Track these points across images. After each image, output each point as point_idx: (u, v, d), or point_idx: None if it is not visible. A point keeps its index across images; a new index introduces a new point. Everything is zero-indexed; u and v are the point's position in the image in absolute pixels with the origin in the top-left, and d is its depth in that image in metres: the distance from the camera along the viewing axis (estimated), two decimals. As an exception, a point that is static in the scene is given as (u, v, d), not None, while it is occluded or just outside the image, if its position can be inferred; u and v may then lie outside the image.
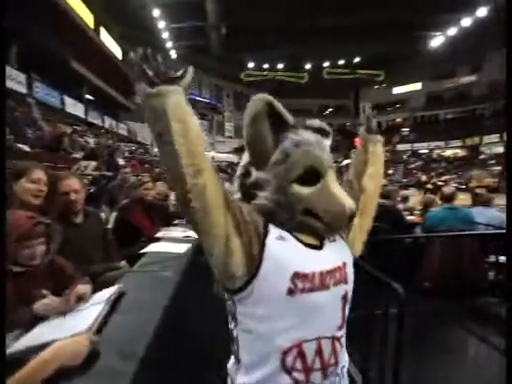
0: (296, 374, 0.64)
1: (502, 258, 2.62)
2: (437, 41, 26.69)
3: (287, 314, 0.63)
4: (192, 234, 2.24)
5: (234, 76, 32.49)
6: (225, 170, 27.59)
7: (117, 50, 18.48)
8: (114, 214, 2.93)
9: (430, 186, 13.58)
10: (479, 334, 2.32)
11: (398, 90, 33.06)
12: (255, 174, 0.71)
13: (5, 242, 1.02)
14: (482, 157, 24.79)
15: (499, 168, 21.06)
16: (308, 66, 31.84)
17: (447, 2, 20.49)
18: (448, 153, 28.62)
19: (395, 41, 25.02)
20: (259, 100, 0.66)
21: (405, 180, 23.14)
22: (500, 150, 24.33)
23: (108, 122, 18.06)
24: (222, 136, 34.61)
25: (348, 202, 0.66)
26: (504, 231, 2.93)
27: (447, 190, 3.08)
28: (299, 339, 0.64)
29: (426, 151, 30.11)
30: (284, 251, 0.64)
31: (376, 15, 21.92)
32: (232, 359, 0.74)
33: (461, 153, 27.64)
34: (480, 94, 28.36)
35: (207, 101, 32.28)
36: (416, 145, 30.74)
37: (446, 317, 2.52)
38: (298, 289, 0.63)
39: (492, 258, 2.73)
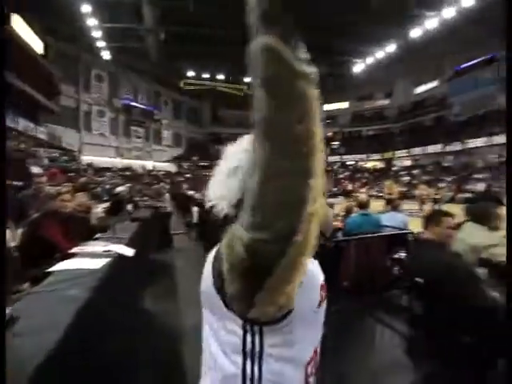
0: (311, 380, 0.63)
1: (403, 255, 3.07)
2: (358, 67, 30.47)
3: (313, 328, 0.61)
4: (114, 247, 2.10)
5: (172, 83, 31.69)
6: (162, 180, 26.37)
7: (37, 45, 16.40)
8: (21, 230, 2.57)
9: (355, 194, 15.10)
10: (386, 322, 2.67)
11: (328, 107, 36.48)
12: None
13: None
14: (394, 168, 28.75)
15: (408, 178, 24.76)
16: (248, 79, 32.83)
17: (367, 34, 23.57)
18: (369, 165, 32.44)
19: (322, 64, 27.55)
20: None
21: (335, 189, 25.42)
22: (408, 163, 28.69)
23: (23, 124, 15.77)
24: (160, 145, 33.22)
25: None
26: (406, 231, 3.47)
27: (362, 197, 3.49)
28: (314, 347, 0.63)
29: (352, 163, 33.64)
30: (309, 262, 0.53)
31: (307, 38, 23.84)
32: None
33: (379, 165, 31.60)
34: (392, 115, 33.19)
35: (144, 107, 30.74)
36: (344, 157, 34.11)
37: (361, 311, 2.84)
38: (323, 299, 0.61)
39: (395, 255, 3.17)
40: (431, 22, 22.45)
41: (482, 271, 2.21)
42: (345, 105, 36.06)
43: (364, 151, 32.71)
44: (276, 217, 0.41)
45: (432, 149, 26.04)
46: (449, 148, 24.51)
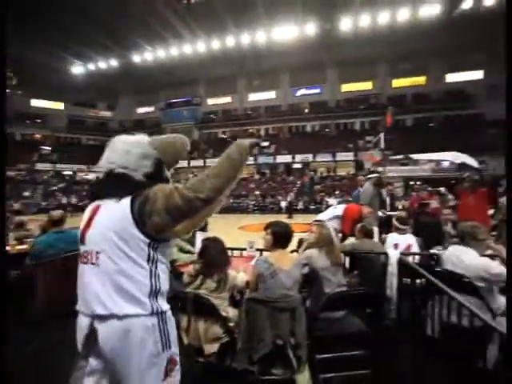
0: None
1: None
2: (78, 69, 27.97)
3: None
4: None
5: None
6: None
7: None
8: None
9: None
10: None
11: (36, 103, 29.90)
12: None
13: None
14: (118, 181, 29.06)
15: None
16: None
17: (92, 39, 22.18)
18: (91, 176, 30.34)
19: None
20: None
21: (44, 203, 21.16)
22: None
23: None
24: None
25: None
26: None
27: (55, 214, 3.19)
28: None
29: (69, 173, 29.72)
30: None
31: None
32: None
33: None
34: (115, 128, 33.58)
35: None
36: (60, 166, 29.39)
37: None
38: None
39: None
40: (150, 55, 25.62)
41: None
42: (60, 105, 31.41)
43: (85, 161, 30.07)
44: (209, 191, 0.99)
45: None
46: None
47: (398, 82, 26.23)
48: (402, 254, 2.72)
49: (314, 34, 22.28)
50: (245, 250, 3.01)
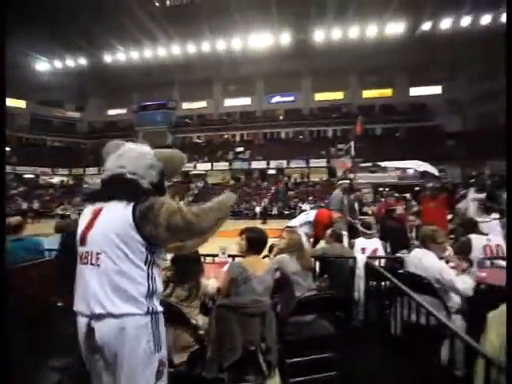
0: None
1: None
2: (43, 66, 26.45)
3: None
4: None
5: None
6: None
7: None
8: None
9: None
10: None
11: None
12: None
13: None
14: (84, 186, 27.59)
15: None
16: None
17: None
18: (56, 180, 28.64)
19: None
20: None
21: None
22: (98, 181, 28.75)
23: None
24: None
25: None
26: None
27: (12, 220, 2.98)
28: None
29: (31, 176, 27.81)
30: None
31: None
32: None
33: (68, 181, 28.86)
34: (83, 129, 32.11)
35: None
36: (20, 168, 27.39)
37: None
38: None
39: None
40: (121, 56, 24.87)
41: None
42: (21, 104, 29.31)
43: (49, 164, 28.35)
44: (211, 221, 1.14)
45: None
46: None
47: (367, 93, 27.58)
48: (368, 257, 2.85)
49: (288, 43, 22.88)
50: (217, 256, 2.99)
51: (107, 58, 25.24)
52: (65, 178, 29.09)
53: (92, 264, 1.09)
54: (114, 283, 1.06)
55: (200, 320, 1.77)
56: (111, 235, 1.08)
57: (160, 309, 1.14)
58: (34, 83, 27.40)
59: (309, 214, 4.27)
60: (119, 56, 25.16)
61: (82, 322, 1.11)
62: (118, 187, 1.15)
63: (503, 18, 19.56)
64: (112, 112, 32.52)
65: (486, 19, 19.78)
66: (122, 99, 31.00)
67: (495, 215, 4.32)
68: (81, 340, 1.13)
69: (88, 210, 1.18)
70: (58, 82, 27.29)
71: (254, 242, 2.01)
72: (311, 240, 4.03)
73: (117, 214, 1.09)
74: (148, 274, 1.11)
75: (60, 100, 30.52)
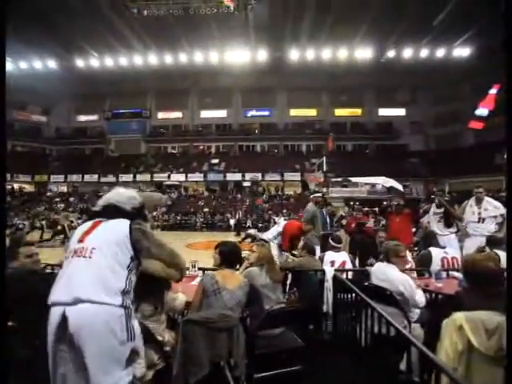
0: None
1: None
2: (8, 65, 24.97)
3: None
4: None
5: None
6: None
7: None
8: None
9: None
10: None
11: None
12: None
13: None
14: (48, 194, 26.00)
15: (63, 205, 23.38)
16: None
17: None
18: (16, 186, 26.72)
19: None
20: None
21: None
22: (64, 189, 27.29)
23: None
24: None
25: None
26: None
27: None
28: None
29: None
30: None
31: None
32: None
33: (29, 188, 27.04)
34: (49, 134, 30.46)
35: None
36: (-27, 173, 25.21)
37: None
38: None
39: None
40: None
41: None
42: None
43: (9, 169, 26.38)
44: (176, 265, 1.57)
45: (89, 178, 26.81)
46: (104, 179, 26.62)
47: (339, 112, 28.96)
48: (336, 270, 2.94)
49: (265, 59, 23.58)
50: (188, 269, 2.93)
51: (79, 63, 24.39)
52: (26, 185, 27.19)
53: (85, 256, 1.32)
54: (100, 275, 1.27)
55: (167, 335, 1.71)
56: (108, 237, 1.37)
57: (132, 306, 1.34)
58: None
59: (280, 225, 4.33)
60: (92, 61, 24.43)
61: (56, 312, 1.22)
62: (108, 210, 1.50)
63: (456, 52, 21.77)
64: (82, 118, 31.22)
65: (441, 52, 21.89)
66: (94, 105, 29.94)
67: (453, 229, 4.67)
68: (51, 332, 1.22)
69: (90, 222, 1.49)
70: (21, 83, 25.79)
71: (226, 256, 2.03)
72: (284, 252, 4.08)
73: (114, 226, 1.43)
74: (127, 275, 1.33)
75: (23, 102, 28.76)
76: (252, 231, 11.30)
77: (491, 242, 3.24)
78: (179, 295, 1.97)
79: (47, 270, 2.96)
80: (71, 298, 1.20)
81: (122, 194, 1.56)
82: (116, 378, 1.20)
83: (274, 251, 3.95)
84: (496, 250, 2.87)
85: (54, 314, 1.22)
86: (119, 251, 1.34)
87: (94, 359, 1.16)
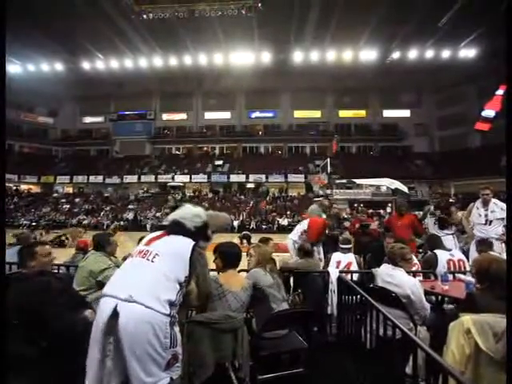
0: None
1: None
2: (14, 68, 25.33)
3: None
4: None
5: None
6: None
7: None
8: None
9: None
10: None
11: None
12: None
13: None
14: (55, 195, 26.24)
15: (68, 206, 23.58)
16: None
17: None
18: (22, 188, 27.04)
19: None
20: None
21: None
22: (70, 190, 27.55)
23: None
24: None
25: None
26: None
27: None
28: None
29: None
30: None
31: None
32: None
33: (35, 189, 27.34)
34: (55, 136, 30.80)
35: None
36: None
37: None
38: None
39: None
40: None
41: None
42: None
43: (17, 171, 26.73)
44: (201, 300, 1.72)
45: (94, 179, 27.03)
46: (109, 180, 26.82)
47: (343, 113, 28.87)
48: (341, 272, 2.92)
49: (269, 61, 23.63)
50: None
51: (85, 65, 24.67)
52: (32, 186, 27.51)
53: (148, 259, 1.41)
54: (157, 280, 1.35)
55: None
56: (172, 250, 1.47)
57: (177, 316, 1.40)
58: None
59: (302, 223, 4.37)
60: (98, 64, 24.70)
61: (109, 303, 1.29)
62: (173, 225, 1.57)
63: (462, 53, 21.61)
64: (87, 120, 31.56)
65: (446, 53, 21.74)
66: (99, 107, 30.26)
67: (448, 231, 4.64)
68: (101, 321, 1.28)
69: (158, 231, 1.59)
70: (29, 85, 26.15)
71: (227, 257, 2.01)
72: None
73: (181, 242, 1.50)
74: (179, 290, 1.41)
75: (31, 104, 29.16)
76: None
77: (485, 244, 3.24)
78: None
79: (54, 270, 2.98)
80: (126, 295, 1.27)
81: (188, 212, 1.62)
82: (156, 378, 1.26)
83: (291, 250, 4.02)
84: (491, 252, 2.85)
85: (107, 306, 1.29)
86: (178, 266, 1.43)
87: (135, 357, 1.23)
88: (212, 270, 2.77)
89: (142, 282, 1.33)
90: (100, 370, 1.28)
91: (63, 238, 11.04)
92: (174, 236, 1.52)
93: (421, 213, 5.71)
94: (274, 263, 2.39)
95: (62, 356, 1.40)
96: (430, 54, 21.89)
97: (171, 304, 1.34)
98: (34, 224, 19.24)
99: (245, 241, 10.51)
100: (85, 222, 20.32)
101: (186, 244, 1.49)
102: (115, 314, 1.25)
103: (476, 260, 1.83)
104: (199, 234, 1.57)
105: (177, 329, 1.37)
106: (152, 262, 1.39)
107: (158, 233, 1.56)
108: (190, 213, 1.60)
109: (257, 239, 3.40)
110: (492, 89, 10.78)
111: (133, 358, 1.23)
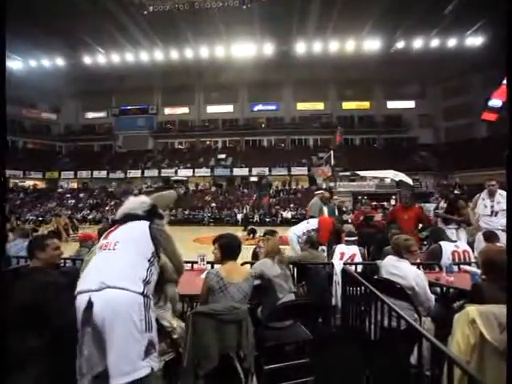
0: None
1: None
2: (15, 64, 25.32)
3: None
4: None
5: None
6: None
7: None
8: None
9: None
10: None
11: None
12: None
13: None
14: (59, 190, 26.48)
15: (73, 201, 23.80)
16: None
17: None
18: (27, 183, 27.30)
19: None
20: None
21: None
22: (74, 185, 27.75)
23: None
24: None
25: None
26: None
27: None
28: None
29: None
30: None
31: None
32: None
33: (40, 185, 27.59)
34: (59, 132, 30.90)
35: None
36: (-13, 171, 25.77)
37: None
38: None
39: None
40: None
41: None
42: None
43: (22, 166, 26.96)
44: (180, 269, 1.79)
45: (98, 174, 27.17)
46: (112, 175, 26.94)
47: (346, 105, 28.54)
48: (345, 263, 2.92)
49: (271, 53, 23.34)
50: (196, 263, 2.96)
51: (87, 60, 24.58)
52: (38, 182, 27.75)
53: (109, 249, 1.47)
54: (123, 263, 1.41)
55: (175, 322, 1.72)
56: (130, 234, 1.54)
57: (151, 295, 1.43)
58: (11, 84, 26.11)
59: (309, 222, 4.38)
60: (99, 58, 24.59)
61: (83, 298, 1.32)
62: (126, 218, 1.64)
63: (468, 41, 21.14)
64: (90, 115, 31.58)
65: (452, 42, 21.28)
66: (101, 102, 30.22)
67: (451, 226, 4.60)
68: (78, 317, 1.33)
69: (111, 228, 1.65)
70: (31, 81, 26.15)
71: (227, 248, 2.00)
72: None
73: (134, 225, 1.59)
74: (149, 267, 1.46)
75: (34, 100, 29.20)
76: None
77: (493, 236, 3.21)
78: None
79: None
80: (98, 285, 1.31)
81: (132, 202, 1.71)
82: (136, 366, 1.26)
83: (296, 246, 4.06)
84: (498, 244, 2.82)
85: (81, 301, 1.32)
86: (140, 245, 1.50)
87: (114, 343, 1.24)
88: (210, 262, 2.82)
89: (110, 270, 1.37)
90: (78, 359, 1.32)
91: (52, 229, 11.09)
92: (129, 223, 1.60)
93: (426, 204, 5.67)
94: (283, 255, 2.43)
95: (65, 352, 1.42)
96: (435, 43, 21.45)
97: (144, 281, 1.39)
98: (40, 219, 19.47)
99: (252, 235, 10.71)
100: (89, 216, 20.52)
101: (141, 224, 1.58)
102: (90, 306, 1.28)
103: (482, 251, 1.82)
104: (151, 216, 1.65)
105: (152, 314, 1.39)
106: (114, 250, 1.46)
107: (113, 227, 1.63)
108: (135, 202, 1.69)
109: (261, 232, 3.42)
110: (498, 78, 10.57)
111: (111, 345, 1.24)
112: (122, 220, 1.65)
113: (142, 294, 1.35)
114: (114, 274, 1.36)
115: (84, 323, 1.31)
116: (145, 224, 1.58)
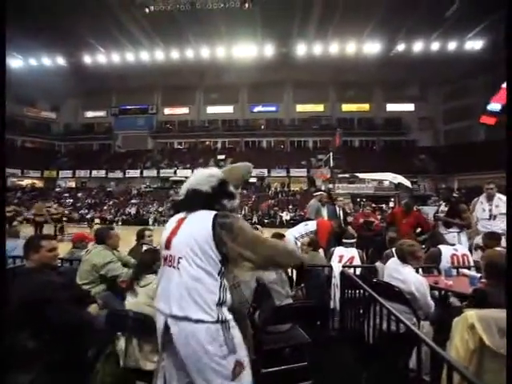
0: None
1: None
2: (16, 63, 25.28)
3: None
4: None
5: None
6: None
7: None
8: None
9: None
10: None
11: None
12: None
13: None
14: (57, 189, 26.39)
15: (71, 200, 23.73)
16: None
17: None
18: (25, 182, 27.20)
19: None
20: None
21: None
22: (73, 184, 27.66)
23: None
24: None
25: None
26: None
27: None
28: None
29: (-2, 178, 26.12)
30: None
31: None
32: None
33: (38, 183, 27.49)
34: (58, 131, 30.83)
35: None
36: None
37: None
38: None
39: None
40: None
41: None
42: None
43: (20, 165, 26.83)
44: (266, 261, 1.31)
45: (96, 173, 27.11)
46: (111, 175, 26.88)
47: (346, 107, 28.59)
48: (344, 266, 2.91)
49: (271, 55, 23.37)
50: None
51: (87, 59, 24.54)
52: (36, 181, 27.66)
53: (174, 267, 1.25)
54: (190, 287, 1.20)
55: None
56: (192, 242, 1.23)
57: (229, 317, 1.24)
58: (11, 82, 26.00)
59: (308, 224, 4.35)
60: (100, 58, 24.55)
61: (160, 319, 1.25)
62: (189, 197, 1.39)
63: (468, 44, 21.23)
64: (90, 114, 31.51)
65: (452, 45, 21.36)
66: (101, 101, 30.17)
67: (452, 229, 4.57)
68: (159, 334, 1.27)
69: (174, 219, 1.38)
70: (31, 80, 26.07)
71: None
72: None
73: (197, 224, 1.28)
74: (220, 284, 1.23)
75: (33, 99, 29.10)
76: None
77: (493, 238, 3.18)
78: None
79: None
80: (170, 312, 1.21)
81: (200, 175, 1.43)
82: None
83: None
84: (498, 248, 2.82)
85: (160, 321, 1.26)
86: (207, 258, 1.22)
87: (196, 370, 1.18)
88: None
89: (177, 296, 1.21)
90: (160, 371, 1.30)
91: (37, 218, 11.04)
92: (191, 218, 1.31)
93: (424, 207, 5.67)
94: None
95: (64, 351, 1.40)
96: (435, 46, 21.52)
97: (217, 304, 1.20)
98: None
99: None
100: (88, 216, 20.44)
101: (204, 222, 1.26)
102: (167, 330, 1.22)
103: (485, 255, 1.82)
104: (219, 193, 1.36)
105: (234, 331, 1.24)
106: (178, 268, 1.23)
107: (174, 224, 1.35)
108: (203, 174, 1.41)
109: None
110: (499, 81, 10.60)
111: (194, 370, 1.18)
112: (185, 202, 1.39)
113: (218, 320, 1.19)
114: (183, 302, 1.19)
115: (164, 345, 1.26)
116: (209, 220, 1.25)
